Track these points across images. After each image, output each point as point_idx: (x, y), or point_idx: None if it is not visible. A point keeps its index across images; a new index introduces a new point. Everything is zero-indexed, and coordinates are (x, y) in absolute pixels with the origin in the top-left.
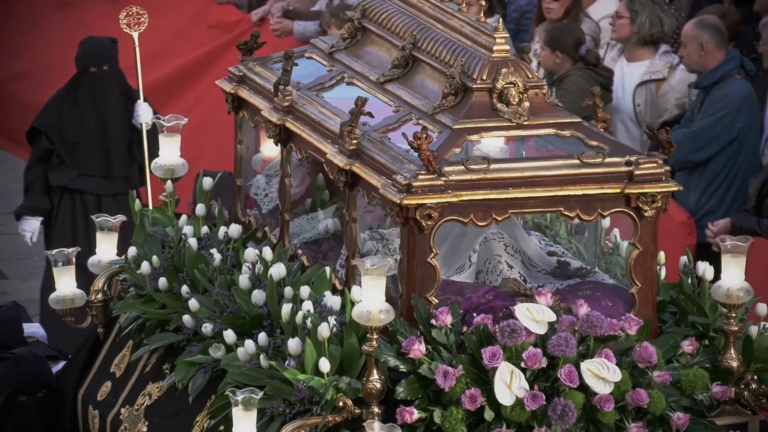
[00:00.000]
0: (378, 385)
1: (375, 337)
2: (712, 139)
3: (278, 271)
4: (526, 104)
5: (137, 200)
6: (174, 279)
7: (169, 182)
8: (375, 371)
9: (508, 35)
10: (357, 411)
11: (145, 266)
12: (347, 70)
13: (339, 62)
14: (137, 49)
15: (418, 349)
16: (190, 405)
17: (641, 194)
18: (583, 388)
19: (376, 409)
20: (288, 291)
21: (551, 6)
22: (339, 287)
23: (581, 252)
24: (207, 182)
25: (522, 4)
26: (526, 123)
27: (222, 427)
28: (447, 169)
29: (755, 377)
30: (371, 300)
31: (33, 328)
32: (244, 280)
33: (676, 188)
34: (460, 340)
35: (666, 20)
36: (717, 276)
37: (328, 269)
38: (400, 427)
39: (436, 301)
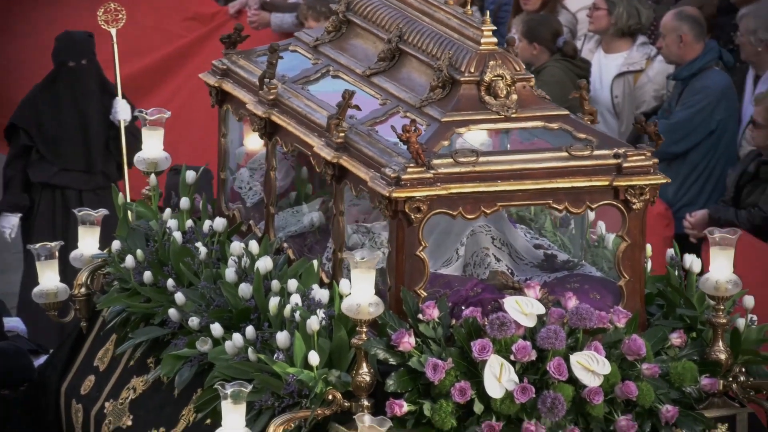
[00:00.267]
0: (367, 379)
1: (364, 330)
2: (692, 131)
3: (265, 264)
4: (514, 97)
5: (120, 194)
6: (159, 273)
7: (152, 176)
8: (364, 364)
9: (495, 28)
10: (346, 404)
11: (129, 260)
12: (332, 63)
13: (324, 55)
14: (115, 46)
15: (408, 342)
16: (176, 399)
17: (630, 187)
18: (573, 380)
19: (365, 403)
20: (275, 284)
21: None
22: (326, 280)
23: (566, 245)
24: (190, 176)
25: None
26: (514, 116)
27: (209, 421)
28: (436, 161)
29: (743, 369)
30: (361, 293)
31: (13, 323)
32: (230, 273)
33: (664, 180)
34: (449, 333)
35: (643, 11)
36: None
37: (315, 262)
38: (390, 419)
39: (425, 294)
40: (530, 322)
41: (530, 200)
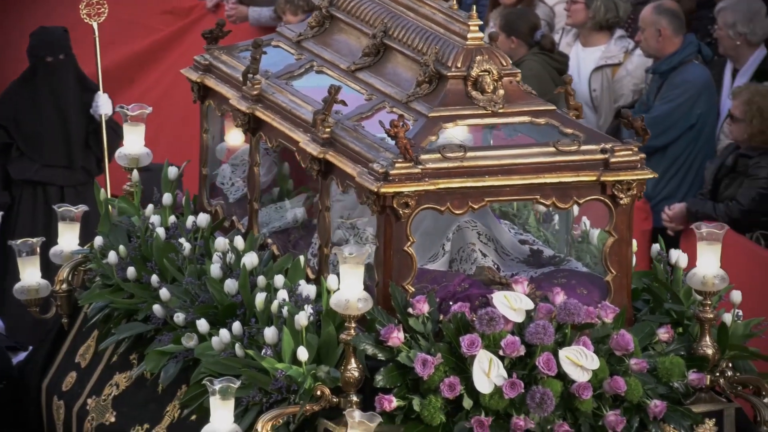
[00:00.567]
0: (356, 374)
1: (353, 325)
2: (672, 125)
3: (251, 260)
4: (501, 92)
5: (102, 190)
6: (142, 269)
7: (135, 171)
8: (353, 360)
9: (481, 23)
10: (335, 400)
11: (112, 256)
12: (316, 58)
13: (307, 51)
14: (97, 40)
15: (397, 337)
16: (160, 395)
17: (617, 182)
18: (561, 376)
19: (354, 398)
20: (261, 280)
21: None
22: (311, 276)
23: (550, 240)
24: (172, 172)
25: None
26: (501, 111)
27: (194, 417)
28: (424, 157)
29: (730, 365)
30: (349, 288)
31: None
32: (215, 269)
33: (651, 176)
34: (437, 329)
35: (621, 5)
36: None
37: (302, 258)
38: (379, 415)
39: (413, 289)
40: (519, 318)
41: (518, 195)
